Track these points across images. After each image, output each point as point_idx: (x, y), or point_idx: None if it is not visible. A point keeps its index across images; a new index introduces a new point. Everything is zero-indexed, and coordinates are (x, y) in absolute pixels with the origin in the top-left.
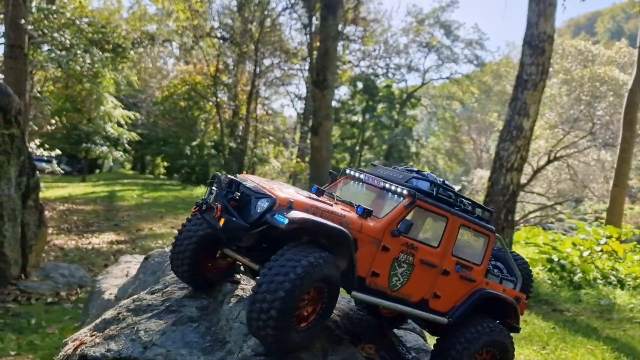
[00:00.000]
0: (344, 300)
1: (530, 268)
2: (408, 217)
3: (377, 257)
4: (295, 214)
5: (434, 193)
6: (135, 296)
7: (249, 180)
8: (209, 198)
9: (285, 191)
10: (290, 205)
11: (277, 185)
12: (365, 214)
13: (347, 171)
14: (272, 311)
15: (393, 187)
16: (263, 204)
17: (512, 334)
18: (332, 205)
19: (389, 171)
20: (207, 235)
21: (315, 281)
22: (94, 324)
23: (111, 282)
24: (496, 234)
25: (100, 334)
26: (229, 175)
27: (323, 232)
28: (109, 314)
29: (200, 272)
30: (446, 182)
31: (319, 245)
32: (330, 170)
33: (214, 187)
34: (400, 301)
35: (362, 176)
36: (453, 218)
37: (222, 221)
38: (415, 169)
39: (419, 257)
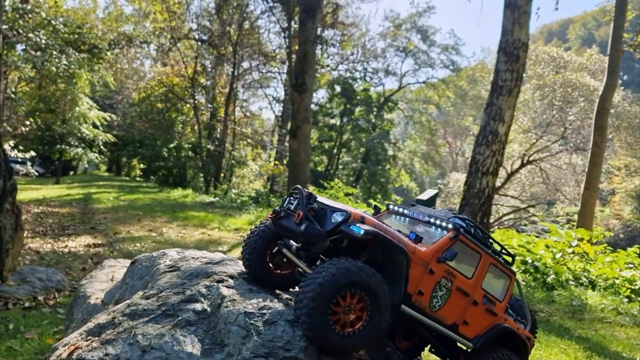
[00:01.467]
0: None
1: (535, 320)
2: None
3: (424, 278)
4: (370, 228)
5: (472, 231)
6: (129, 301)
7: (329, 201)
8: (288, 206)
9: (353, 209)
10: (362, 220)
11: (342, 204)
12: (417, 239)
13: (391, 207)
14: (304, 309)
15: (438, 222)
16: (338, 217)
17: None
18: (390, 228)
19: (430, 210)
20: (273, 238)
21: (342, 287)
22: (85, 328)
23: (96, 287)
24: (518, 280)
25: (97, 338)
26: (307, 190)
27: (389, 246)
28: (102, 318)
29: (264, 269)
30: (479, 226)
31: (372, 261)
32: (375, 204)
33: (292, 198)
34: (437, 321)
35: (407, 212)
36: (485, 256)
37: (303, 226)
38: (466, 219)
39: (456, 284)
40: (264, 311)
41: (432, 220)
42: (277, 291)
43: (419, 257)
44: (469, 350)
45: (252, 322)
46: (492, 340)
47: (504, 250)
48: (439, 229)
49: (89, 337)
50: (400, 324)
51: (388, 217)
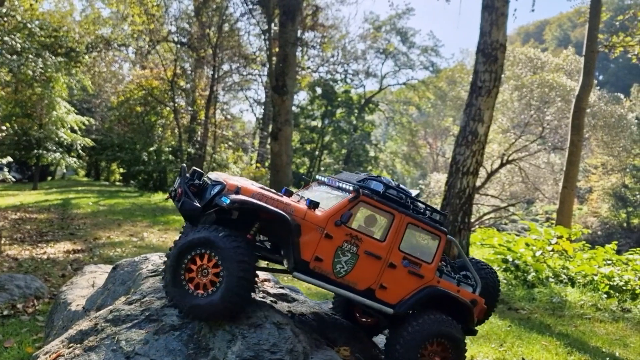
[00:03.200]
0: (318, 306)
1: (497, 278)
2: (354, 212)
3: (320, 243)
4: (238, 196)
5: (382, 192)
6: (111, 306)
7: (220, 176)
8: (175, 186)
9: (240, 181)
10: (237, 191)
11: (240, 179)
12: (312, 205)
13: (317, 177)
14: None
15: (344, 185)
16: (214, 188)
17: (469, 334)
18: (282, 196)
19: (349, 175)
20: None
21: (190, 248)
22: (67, 335)
23: (77, 293)
24: (452, 239)
25: (79, 345)
26: (195, 168)
27: (262, 212)
28: (84, 325)
29: None
30: (402, 186)
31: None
32: (304, 176)
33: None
34: (346, 287)
35: (324, 179)
36: (400, 216)
37: (180, 202)
38: (376, 175)
39: (363, 248)
40: (249, 314)
41: (340, 184)
42: (263, 293)
43: (311, 222)
44: (390, 315)
45: (237, 325)
46: (419, 304)
47: (429, 209)
48: (344, 192)
49: (71, 345)
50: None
51: (315, 187)
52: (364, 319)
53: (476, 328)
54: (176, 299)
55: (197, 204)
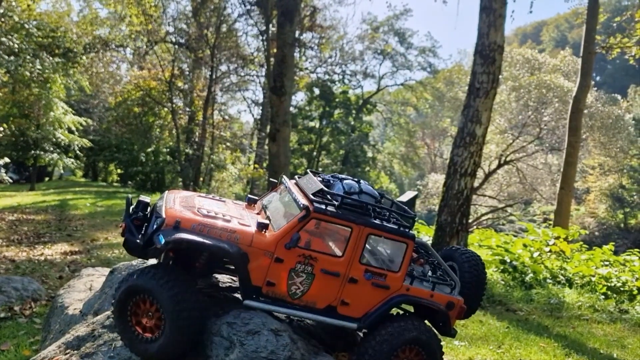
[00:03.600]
0: None
1: (481, 266)
2: (308, 229)
3: (271, 268)
4: (173, 236)
5: (338, 204)
6: (109, 312)
7: (174, 198)
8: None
9: (184, 211)
10: (176, 225)
11: (189, 202)
12: (260, 227)
13: (282, 180)
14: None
15: (299, 199)
16: (155, 223)
17: (447, 335)
18: (229, 221)
19: (310, 180)
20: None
21: (130, 293)
22: (63, 340)
23: (74, 297)
24: (423, 242)
25: (76, 351)
26: (142, 197)
27: (200, 249)
28: (81, 330)
29: None
30: (367, 188)
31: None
32: (270, 179)
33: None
34: (304, 309)
35: (284, 180)
36: (358, 228)
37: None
38: (341, 176)
39: (319, 267)
40: (247, 321)
41: (296, 196)
42: None
43: (258, 248)
44: (354, 330)
45: (235, 332)
46: (386, 315)
47: (396, 211)
48: (298, 205)
49: (68, 350)
50: None
51: (279, 192)
52: None
53: (456, 328)
54: (128, 344)
55: (138, 241)
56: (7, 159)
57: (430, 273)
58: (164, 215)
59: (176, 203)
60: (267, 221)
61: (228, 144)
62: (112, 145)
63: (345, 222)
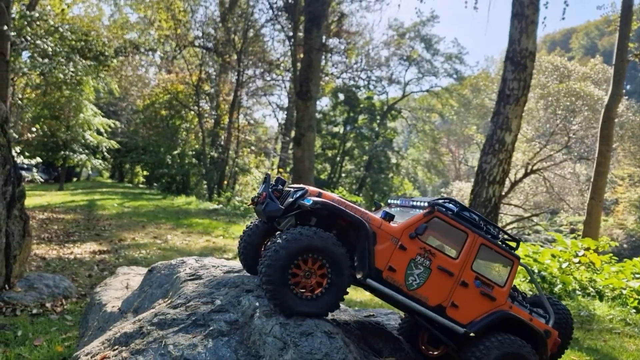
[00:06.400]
0: (358, 315)
1: (570, 316)
2: (430, 230)
3: (394, 254)
4: (320, 199)
5: (456, 211)
6: (156, 310)
7: (301, 185)
8: (259, 192)
9: (323, 191)
10: (319, 195)
11: (327, 192)
12: (388, 217)
13: (390, 201)
14: (264, 276)
15: (418, 203)
16: (297, 193)
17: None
18: (359, 206)
19: (420, 198)
20: (266, 234)
21: (298, 251)
22: (107, 337)
23: (111, 295)
24: (526, 267)
25: (125, 347)
26: (279, 176)
27: (340, 216)
28: (128, 327)
29: (257, 262)
30: (475, 212)
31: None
32: (376, 201)
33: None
34: (417, 301)
35: (397, 201)
36: (473, 235)
37: (264, 205)
38: (448, 198)
39: (436, 263)
40: (300, 322)
41: (414, 203)
42: None
43: (386, 231)
44: (461, 334)
45: (289, 333)
46: (491, 327)
47: (505, 235)
48: (418, 210)
49: (116, 347)
50: (420, 325)
51: (387, 209)
52: (430, 351)
53: None
54: (282, 304)
55: (280, 206)
56: (38, 159)
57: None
58: (306, 188)
59: (315, 188)
60: (393, 214)
61: (252, 147)
62: (138, 147)
63: (463, 227)
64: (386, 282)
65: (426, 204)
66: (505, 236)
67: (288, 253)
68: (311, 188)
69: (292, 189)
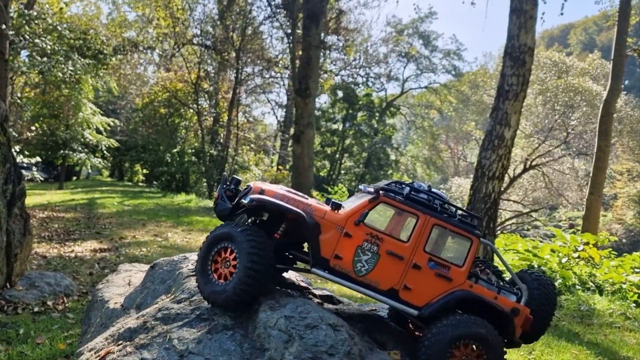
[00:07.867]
0: (361, 309)
1: (553, 289)
2: (381, 214)
3: (340, 242)
4: (257, 196)
5: (406, 194)
6: (159, 305)
7: (257, 183)
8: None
9: (268, 186)
10: (261, 192)
11: (272, 185)
12: (334, 206)
13: (359, 187)
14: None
15: (370, 189)
16: (243, 192)
17: (512, 346)
18: (306, 198)
19: (383, 182)
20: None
21: (215, 242)
22: (111, 332)
23: (114, 291)
24: (488, 243)
25: (129, 342)
26: (235, 176)
27: (278, 210)
28: (132, 322)
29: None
30: (436, 191)
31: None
32: (348, 188)
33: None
34: (367, 287)
35: (361, 187)
36: (424, 217)
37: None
38: (415, 183)
39: (384, 247)
40: (304, 315)
41: (368, 189)
42: (310, 295)
43: (329, 221)
44: (414, 317)
45: (294, 326)
46: (448, 307)
47: (463, 213)
48: (368, 195)
49: (120, 342)
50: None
51: (357, 196)
52: (417, 332)
53: (521, 340)
54: (203, 287)
55: (229, 205)
56: (38, 158)
57: (495, 281)
58: (252, 186)
59: (264, 184)
60: (341, 203)
61: (252, 145)
62: (138, 146)
63: (411, 209)
64: (334, 270)
65: (372, 190)
66: (467, 215)
67: (207, 241)
68: (256, 184)
69: (246, 187)
